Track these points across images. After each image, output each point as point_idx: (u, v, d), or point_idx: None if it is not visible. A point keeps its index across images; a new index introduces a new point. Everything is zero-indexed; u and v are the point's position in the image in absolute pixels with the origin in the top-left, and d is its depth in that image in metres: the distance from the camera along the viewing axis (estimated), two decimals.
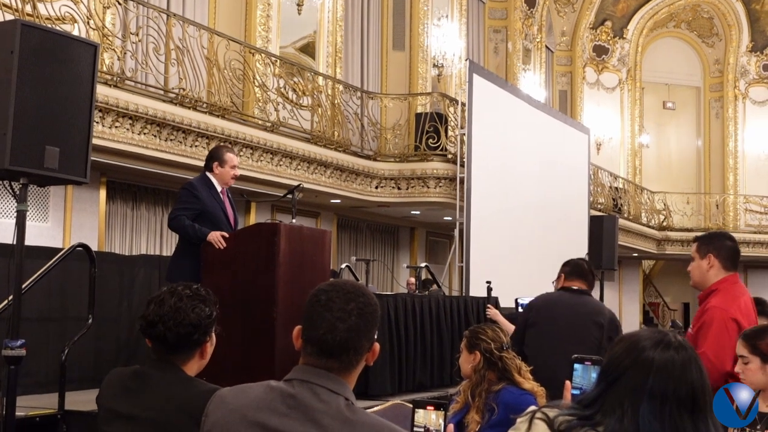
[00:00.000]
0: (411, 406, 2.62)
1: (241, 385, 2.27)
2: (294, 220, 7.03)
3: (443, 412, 2.55)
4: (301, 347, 2.21)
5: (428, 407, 2.56)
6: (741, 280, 4.41)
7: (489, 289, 9.47)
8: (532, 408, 2.06)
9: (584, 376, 2.44)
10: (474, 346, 3.94)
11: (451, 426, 2.53)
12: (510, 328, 7.91)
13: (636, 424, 1.90)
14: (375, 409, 4.11)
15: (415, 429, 2.54)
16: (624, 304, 25.11)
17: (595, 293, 14.07)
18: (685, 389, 1.93)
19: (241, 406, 2.18)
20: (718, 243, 4.42)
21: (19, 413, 5.88)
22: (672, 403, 1.92)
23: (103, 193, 10.80)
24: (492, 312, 8.31)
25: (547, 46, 22.82)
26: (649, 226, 24.04)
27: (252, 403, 2.17)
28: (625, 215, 22.22)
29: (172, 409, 2.73)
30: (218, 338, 3.05)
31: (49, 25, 7.93)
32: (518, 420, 2.06)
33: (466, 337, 4.04)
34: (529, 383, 3.80)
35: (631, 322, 24.19)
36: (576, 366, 2.50)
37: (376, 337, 2.27)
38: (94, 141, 8.90)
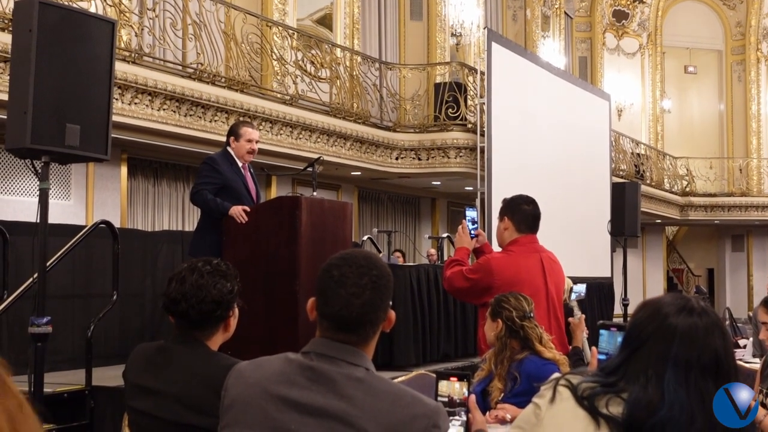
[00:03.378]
0: (435, 376, 2.64)
1: (259, 359, 2.27)
2: (315, 193, 7.03)
3: (466, 382, 2.57)
4: (317, 320, 2.22)
5: (451, 378, 2.58)
6: (538, 242, 4.67)
7: None
8: (556, 375, 2.06)
9: (610, 341, 2.44)
10: (497, 314, 3.94)
11: (472, 396, 2.54)
12: None
13: (661, 391, 1.89)
14: (399, 379, 4.12)
15: (439, 398, 2.55)
16: (647, 271, 25.03)
17: (618, 260, 14.06)
18: (708, 355, 1.92)
19: (261, 380, 2.18)
20: (514, 207, 4.74)
21: (46, 390, 5.95)
22: (696, 370, 1.91)
23: (124, 169, 10.84)
24: None
25: (566, 13, 22.63)
26: (672, 192, 23.91)
27: (272, 376, 2.18)
28: (648, 181, 22.09)
29: (196, 384, 2.75)
30: (241, 312, 3.06)
31: (66, 3, 7.93)
32: (543, 388, 2.06)
33: (490, 305, 4.04)
34: (550, 352, 3.79)
35: (654, 288, 24.13)
36: (602, 332, 2.51)
37: (391, 304, 2.27)
38: (114, 118, 8.89)
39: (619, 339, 2.37)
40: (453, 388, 2.57)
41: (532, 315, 3.89)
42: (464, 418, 2.55)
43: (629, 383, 1.94)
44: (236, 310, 3.00)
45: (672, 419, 1.86)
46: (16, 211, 8.92)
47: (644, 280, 24.41)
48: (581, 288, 8.12)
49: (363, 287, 2.17)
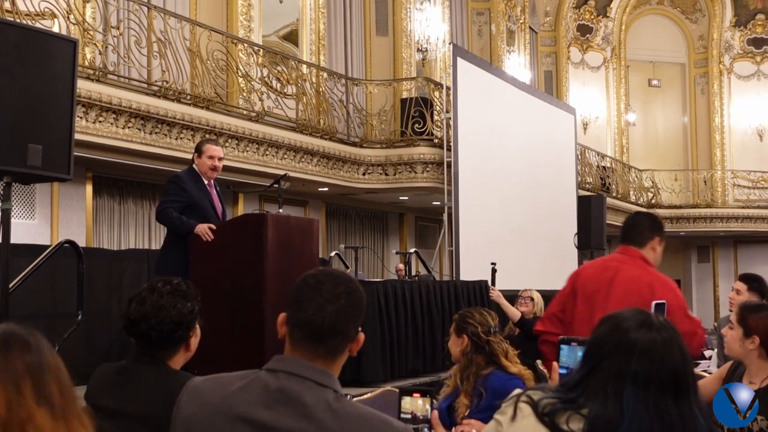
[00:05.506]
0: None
1: (217, 375, 2.21)
2: (281, 210, 7.03)
3: (429, 398, 2.57)
4: (287, 334, 2.19)
5: (414, 394, 2.58)
6: (626, 252, 4.34)
7: (493, 271, 9.41)
8: (517, 391, 2.07)
9: (570, 356, 2.45)
10: (462, 330, 3.95)
11: (435, 412, 2.54)
12: (512, 311, 7.94)
13: (620, 408, 1.91)
14: (365, 396, 4.12)
15: (402, 415, 2.55)
16: None
17: None
18: (667, 371, 1.94)
19: (222, 399, 2.13)
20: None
21: None
22: (655, 386, 1.92)
23: (89, 188, 10.76)
24: (495, 294, 8.33)
25: (531, 27, 22.77)
26: (637, 204, 24.07)
27: (234, 396, 2.12)
28: (614, 194, 22.26)
29: (156, 402, 2.73)
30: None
31: (29, 22, 7.90)
32: (504, 404, 2.07)
33: (455, 321, 4.05)
34: (516, 367, 3.81)
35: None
36: (562, 347, 2.51)
37: (361, 328, 2.26)
38: (79, 136, 8.91)
39: (580, 353, 2.38)
40: (416, 405, 2.57)
41: (496, 330, 3.90)
42: None
43: (589, 399, 1.95)
44: (198, 330, 2.99)
45: None
46: None
47: None
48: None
49: (338, 296, 2.16)
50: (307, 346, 2.15)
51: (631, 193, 24.11)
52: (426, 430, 2.56)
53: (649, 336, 1.97)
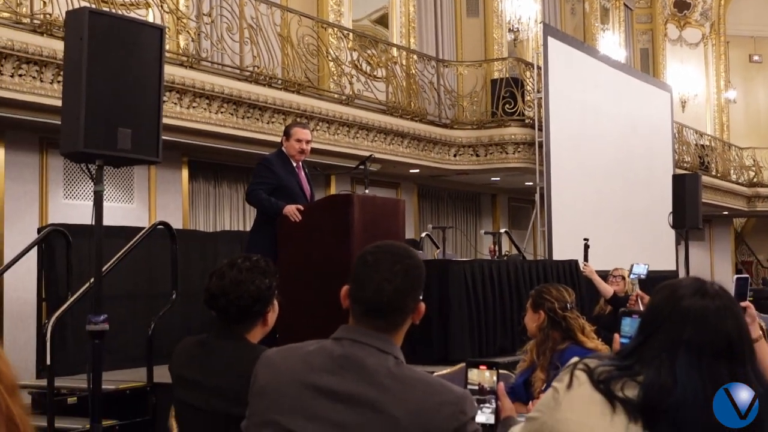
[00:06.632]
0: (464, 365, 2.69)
1: (288, 346, 2.33)
2: (367, 191, 7.13)
3: (495, 371, 2.62)
4: (349, 306, 2.28)
5: (481, 367, 2.63)
6: None
7: (586, 247, 9.39)
8: (575, 359, 2.10)
9: (632, 326, 2.46)
10: (538, 306, 3.98)
11: (501, 384, 2.59)
12: (605, 287, 7.93)
13: (674, 375, 1.92)
14: (444, 372, 4.18)
15: (469, 387, 2.60)
16: (715, 264, 24.65)
17: (680, 253, 13.90)
18: (720, 339, 1.93)
19: (291, 367, 2.24)
20: None
21: (110, 387, 6.14)
22: (709, 353, 1.93)
23: (185, 172, 11.04)
24: (588, 270, 8.31)
25: (625, 4, 22.38)
26: (738, 183, 23.51)
27: (303, 363, 2.23)
28: (713, 173, 21.76)
29: (234, 375, 2.83)
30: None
31: (123, 12, 8.14)
32: (561, 372, 2.10)
33: (531, 297, 4.08)
34: (592, 342, 3.82)
35: (723, 281, 23.69)
36: (624, 318, 2.53)
37: (421, 297, 2.32)
38: (173, 122, 9.19)
39: None
40: (483, 377, 2.61)
41: (573, 305, 3.92)
42: (494, 405, 2.60)
43: (644, 367, 1.96)
44: (276, 305, 3.08)
45: (685, 402, 1.88)
46: (82, 215, 9.14)
47: (712, 273, 24.03)
48: (642, 269, 8.10)
49: (395, 273, 2.23)
50: (368, 320, 2.24)
51: (732, 171, 23.51)
52: (492, 400, 2.61)
53: (702, 303, 1.98)
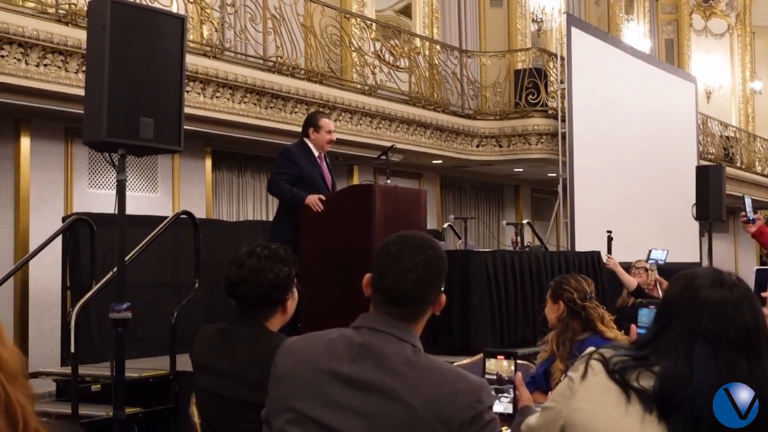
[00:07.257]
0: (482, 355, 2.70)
1: (309, 334, 2.36)
2: (389, 181, 7.14)
3: (513, 360, 2.63)
4: (371, 295, 2.30)
5: (498, 356, 2.64)
6: None
7: (609, 239, 9.37)
8: (591, 349, 2.10)
9: (649, 317, 2.47)
10: (558, 296, 3.98)
11: (519, 373, 2.60)
12: (629, 279, 7.91)
13: (690, 365, 1.92)
14: (464, 362, 4.19)
15: (487, 376, 2.61)
16: (740, 256, 24.47)
17: (704, 244, 13.82)
18: (737, 329, 1.94)
19: (311, 355, 2.26)
20: None
21: (133, 375, 6.18)
22: (726, 344, 1.93)
23: (209, 162, 11.09)
24: (612, 262, 8.29)
25: None
26: (763, 175, 23.31)
27: (322, 351, 2.25)
28: (738, 164, 21.59)
29: (254, 363, 2.86)
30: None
31: (146, 2, 8.17)
32: (577, 362, 2.11)
33: (550, 287, 4.08)
34: (612, 332, 3.81)
35: (747, 274, 23.54)
36: (641, 309, 2.54)
37: (443, 288, 2.33)
38: (196, 111, 9.23)
39: None
40: (501, 366, 2.63)
41: (592, 296, 3.91)
42: (512, 394, 2.61)
43: (660, 357, 1.96)
44: (295, 293, 3.10)
45: (702, 393, 1.89)
46: (106, 204, 9.20)
47: (736, 265, 23.87)
48: (661, 254, 8.08)
49: (417, 264, 2.25)
50: (389, 309, 2.26)
51: (757, 163, 23.32)
52: (511, 390, 2.62)
53: (720, 294, 1.98)
